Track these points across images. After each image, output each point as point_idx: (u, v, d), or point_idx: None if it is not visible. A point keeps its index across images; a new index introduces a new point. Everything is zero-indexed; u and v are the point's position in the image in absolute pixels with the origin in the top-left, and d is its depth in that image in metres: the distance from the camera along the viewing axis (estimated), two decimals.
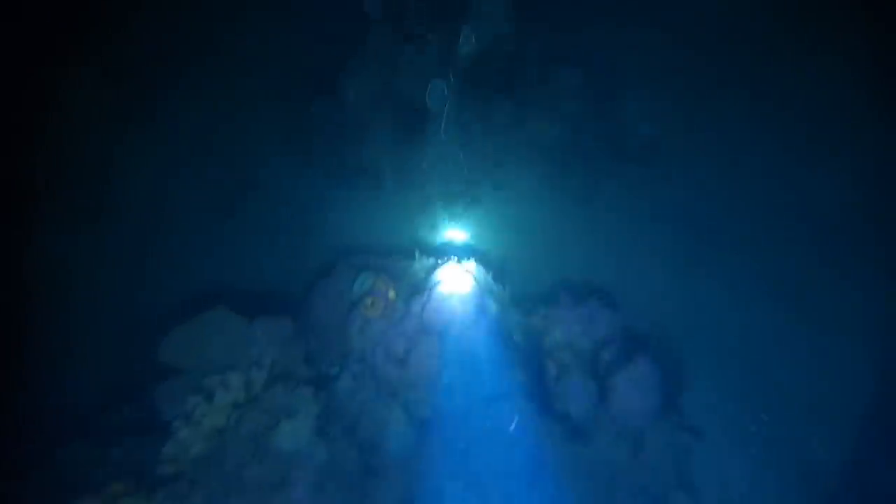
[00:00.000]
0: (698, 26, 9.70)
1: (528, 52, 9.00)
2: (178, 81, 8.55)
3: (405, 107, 8.18)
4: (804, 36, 9.18)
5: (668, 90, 9.21)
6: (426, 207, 8.44)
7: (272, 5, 8.72)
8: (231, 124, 8.57)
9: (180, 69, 8.51)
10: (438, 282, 5.65)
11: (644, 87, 9.23)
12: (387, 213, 8.57)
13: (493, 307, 5.74)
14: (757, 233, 7.94)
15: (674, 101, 9.13)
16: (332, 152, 8.65)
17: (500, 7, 7.81)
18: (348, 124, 8.52)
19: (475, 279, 5.82)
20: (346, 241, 8.08)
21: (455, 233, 7.88)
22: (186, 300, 5.75)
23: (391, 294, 5.59)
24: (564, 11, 9.31)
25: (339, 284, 6.14)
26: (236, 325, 5.16)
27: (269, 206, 8.21)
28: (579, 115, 8.67)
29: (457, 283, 5.63)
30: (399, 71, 7.92)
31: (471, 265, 6.12)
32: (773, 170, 8.47)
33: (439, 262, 6.45)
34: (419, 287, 5.97)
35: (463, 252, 7.61)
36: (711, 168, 8.61)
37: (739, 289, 7.08)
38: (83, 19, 8.50)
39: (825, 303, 7.13)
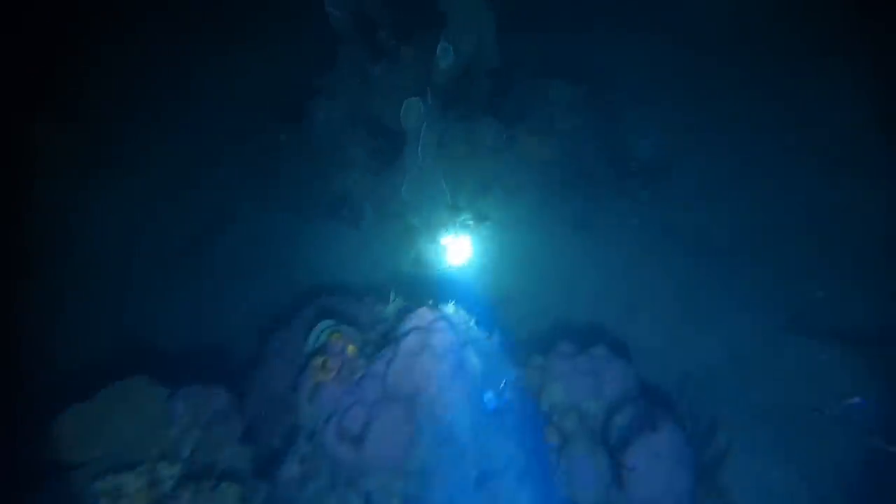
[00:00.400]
0: (706, 32, 8.66)
1: (517, 65, 8.00)
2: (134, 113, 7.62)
3: (380, 129, 7.16)
4: (821, 43, 8.11)
5: (673, 101, 8.13)
6: (407, 239, 7.38)
7: (233, 27, 7.77)
8: (189, 156, 7.58)
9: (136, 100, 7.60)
10: (407, 332, 4.45)
11: (647, 98, 8.16)
12: (363, 248, 7.50)
13: (475, 362, 4.52)
14: (789, 257, 6.69)
15: (681, 112, 8.03)
16: (303, 183, 7.61)
17: (481, 16, 6.79)
18: (319, 151, 7.49)
19: (454, 326, 4.62)
20: (317, 282, 7.02)
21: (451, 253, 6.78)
22: (104, 364, 4.62)
23: (350, 349, 4.40)
24: (556, 19, 8.35)
25: (295, 338, 4.98)
26: (153, 399, 3.98)
27: (231, 245, 7.11)
28: (576, 131, 7.59)
29: (430, 333, 4.42)
30: (371, 90, 6.88)
31: (449, 308, 4.91)
32: (796, 187, 7.27)
33: (410, 305, 5.32)
34: (389, 338, 4.79)
35: (450, 286, 6.56)
36: (727, 184, 7.42)
37: (776, 324, 5.80)
38: (44, 60, 7.64)
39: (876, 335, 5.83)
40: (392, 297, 5.83)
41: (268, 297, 6.50)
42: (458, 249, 6.80)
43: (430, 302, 4.91)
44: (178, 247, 6.85)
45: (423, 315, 4.55)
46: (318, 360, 4.19)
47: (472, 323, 4.94)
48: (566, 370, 4.70)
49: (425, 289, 6.88)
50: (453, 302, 5.01)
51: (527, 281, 6.63)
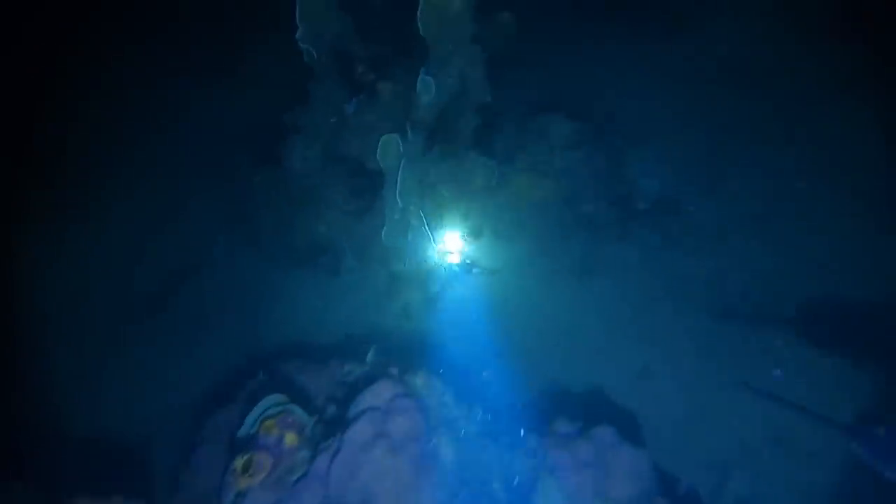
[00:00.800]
0: (719, 65, 7.85)
1: (511, 100, 7.25)
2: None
3: (359, 170, 6.35)
4: (844, 77, 7.22)
5: (682, 137, 7.23)
6: (393, 288, 6.49)
7: (204, 66, 7.13)
8: (155, 202, 6.82)
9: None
10: (358, 415, 3.44)
11: (653, 134, 7.29)
12: (343, 299, 6.61)
13: (448, 453, 3.47)
14: (818, 305, 5.62)
15: (691, 149, 7.12)
16: (279, 228, 6.80)
17: (466, 48, 6.04)
18: (297, 194, 6.70)
19: (421, 405, 3.60)
20: (285, 340, 6.10)
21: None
22: None
23: (288, 440, 3.39)
24: (553, 51, 7.62)
25: (235, 421, 3.98)
26: None
27: (192, 300, 6.23)
28: (575, 169, 6.72)
29: (388, 417, 3.40)
30: (348, 128, 6.10)
31: (418, 379, 3.90)
32: (821, 230, 6.24)
33: (389, 365, 4.34)
34: (347, 418, 3.78)
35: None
36: (746, 228, 6.41)
37: (820, 391, 4.67)
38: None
39: None
40: (370, 356, 4.86)
41: (219, 364, 5.53)
42: (452, 246, 6.13)
43: (394, 371, 3.90)
44: (127, 305, 5.99)
45: (379, 392, 3.53)
46: (240, 461, 3.18)
47: (446, 397, 3.91)
48: (564, 460, 3.62)
49: (412, 345, 5.99)
50: (423, 371, 4.00)
51: (520, 337, 5.64)
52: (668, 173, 6.95)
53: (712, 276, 6.01)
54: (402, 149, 5.64)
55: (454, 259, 6.47)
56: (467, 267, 6.48)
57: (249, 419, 3.63)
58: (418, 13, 5.48)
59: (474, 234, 6.65)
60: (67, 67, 7.00)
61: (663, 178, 6.89)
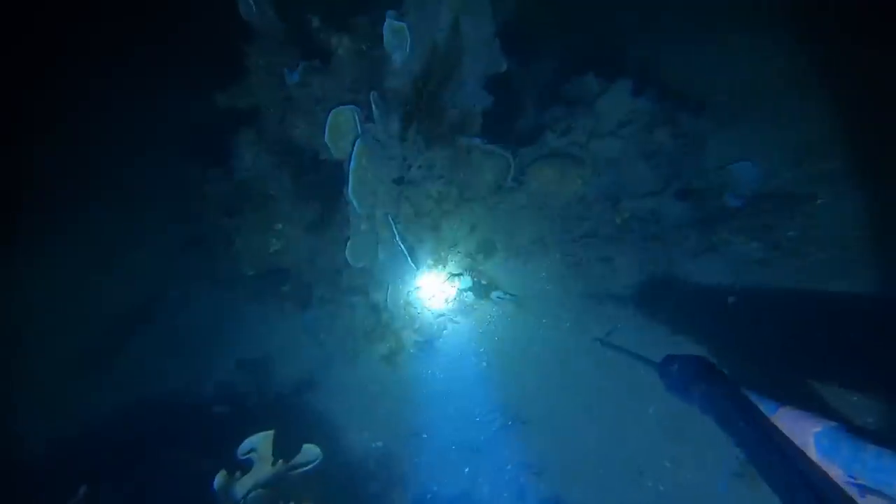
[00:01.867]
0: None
1: (532, 65, 5.37)
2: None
3: (310, 165, 4.72)
4: None
5: (797, 106, 4.86)
6: (374, 325, 4.82)
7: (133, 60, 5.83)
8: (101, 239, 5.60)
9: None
10: None
11: (750, 103, 5.02)
12: (306, 342, 5.03)
13: None
14: None
15: (809, 125, 4.73)
16: (231, 248, 5.32)
17: None
18: (251, 202, 5.21)
19: None
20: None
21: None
22: None
23: None
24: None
25: None
26: None
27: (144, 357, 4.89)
28: (625, 151, 4.68)
29: None
30: (291, 104, 4.51)
31: None
32: None
33: None
34: None
35: None
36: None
37: None
38: None
39: None
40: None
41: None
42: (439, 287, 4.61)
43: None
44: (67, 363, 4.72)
45: None
46: None
47: None
48: None
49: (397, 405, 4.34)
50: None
51: (537, 401, 3.66)
52: (774, 155, 4.66)
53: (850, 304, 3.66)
54: (358, 127, 3.97)
55: (462, 283, 4.71)
56: (483, 290, 4.67)
57: None
58: None
59: (484, 250, 4.81)
60: None
61: (767, 162, 4.61)
